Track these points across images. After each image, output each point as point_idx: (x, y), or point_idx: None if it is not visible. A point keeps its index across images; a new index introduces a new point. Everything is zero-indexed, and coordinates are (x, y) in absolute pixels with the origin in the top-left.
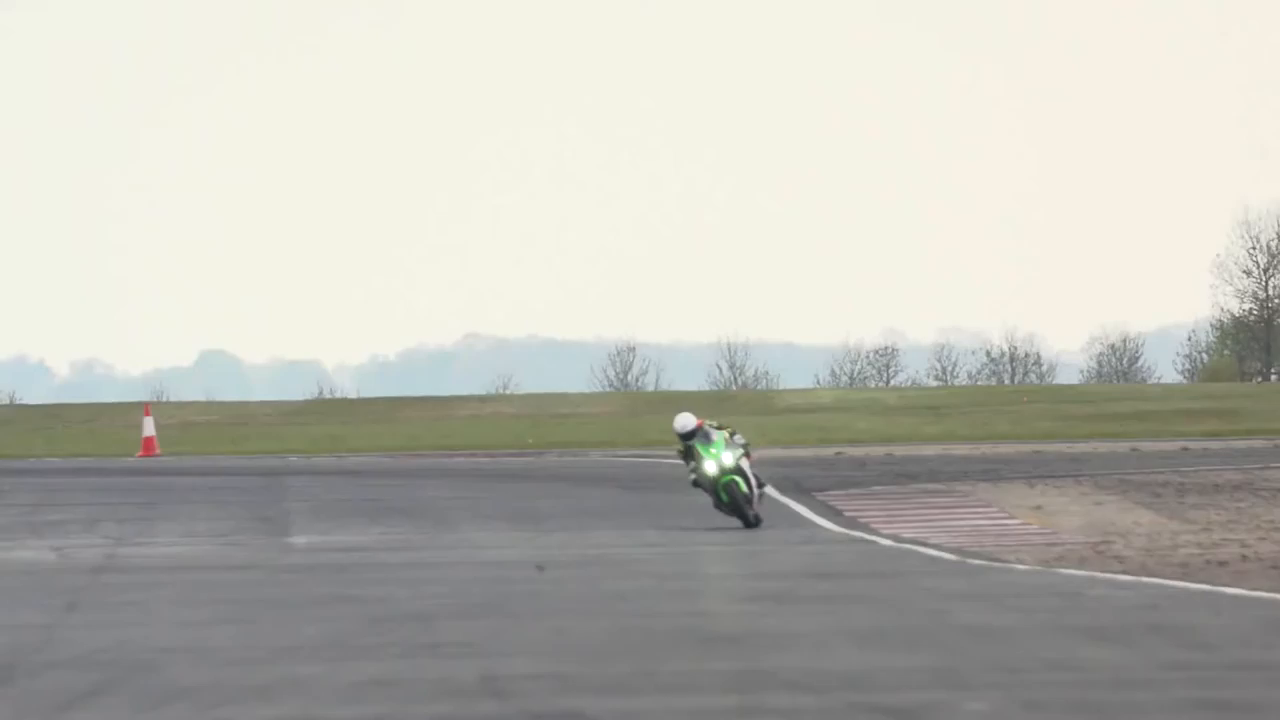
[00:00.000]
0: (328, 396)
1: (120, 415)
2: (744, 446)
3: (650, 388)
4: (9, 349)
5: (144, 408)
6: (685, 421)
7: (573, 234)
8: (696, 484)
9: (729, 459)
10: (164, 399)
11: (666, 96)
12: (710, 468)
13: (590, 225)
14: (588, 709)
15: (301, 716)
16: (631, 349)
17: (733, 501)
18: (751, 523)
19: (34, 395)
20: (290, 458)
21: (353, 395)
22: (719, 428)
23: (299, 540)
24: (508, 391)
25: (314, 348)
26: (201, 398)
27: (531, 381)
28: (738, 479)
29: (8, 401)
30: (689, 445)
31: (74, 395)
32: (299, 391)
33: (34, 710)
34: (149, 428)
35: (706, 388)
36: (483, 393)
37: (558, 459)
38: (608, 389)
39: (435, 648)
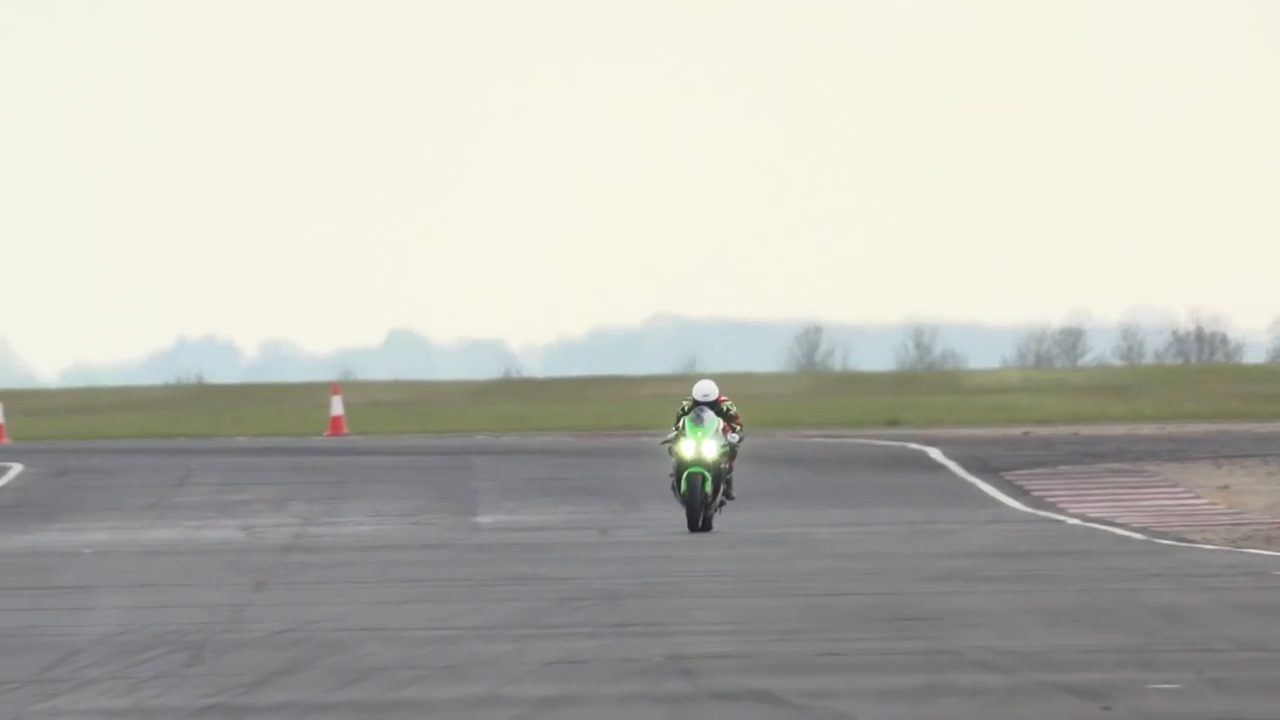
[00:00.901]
0: (514, 376)
1: (308, 395)
2: (733, 445)
3: (836, 368)
4: (198, 329)
5: (332, 387)
6: (709, 389)
7: (760, 213)
8: (669, 451)
9: (709, 451)
10: (352, 379)
11: (843, 76)
12: (686, 449)
13: (777, 204)
14: (775, 688)
15: (490, 695)
16: (818, 329)
17: (690, 495)
18: (698, 527)
19: (222, 375)
20: (477, 437)
21: (539, 375)
22: (729, 414)
23: (486, 519)
24: (694, 371)
25: (501, 327)
26: (389, 377)
27: (718, 362)
28: (706, 475)
29: (196, 381)
30: (689, 413)
31: (262, 375)
32: (486, 371)
33: (224, 689)
34: (337, 407)
35: (892, 368)
36: (669, 373)
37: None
38: (794, 369)
39: (623, 627)
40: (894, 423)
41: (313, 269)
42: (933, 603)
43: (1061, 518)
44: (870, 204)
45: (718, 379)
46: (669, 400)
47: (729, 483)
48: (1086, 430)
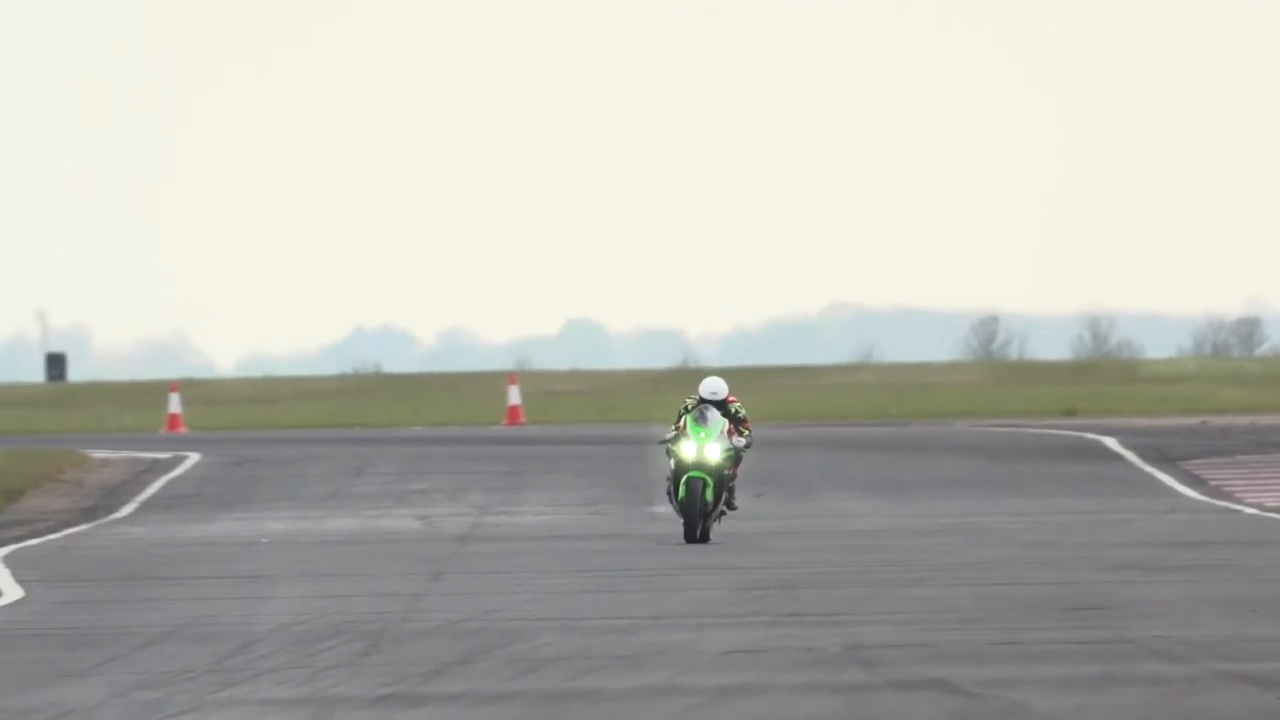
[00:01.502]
0: (691, 365)
1: (485, 384)
2: (739, 450)
3: (1013, 357)
4: (376, 318)
5: (509, 376)
6: (717, 387)
7: (938, 203)
8: (667, 452)
9: (712, 454)
10: (528, 368)
11: (1019, 67)
12: (687, 451)
13: (955, 194)
14: (952, 677)
15: (667, 685)
16: (995, 318)
17: (688, 502)
18: (695, 537)
19: (400, 364)
20: (654, 426)
21: (716, 364)
22: (737, 416)
23: (663, 509)
24: (871, 360)
25: (678, 316)
26: (565, 366)
27: (894, 350)
28: (707, 481)
29: (373, 371)
30: (691, 411)
31: (439, 364)
32: (662, 360)
33: (402, 678)
34: (514, 396)
35: (1069, 357)
36: (846, 362)
37: (921, 429)
38: (970, 358)
39: (800, 616)
40: (1070, 412)
41: (491, 258)
42: (1110, 592)
43: (1239, 507)
44: (1048, 194)
45: (894, 369)
46: (844, 390)
47: (731, 490)
48: (1264, 419)
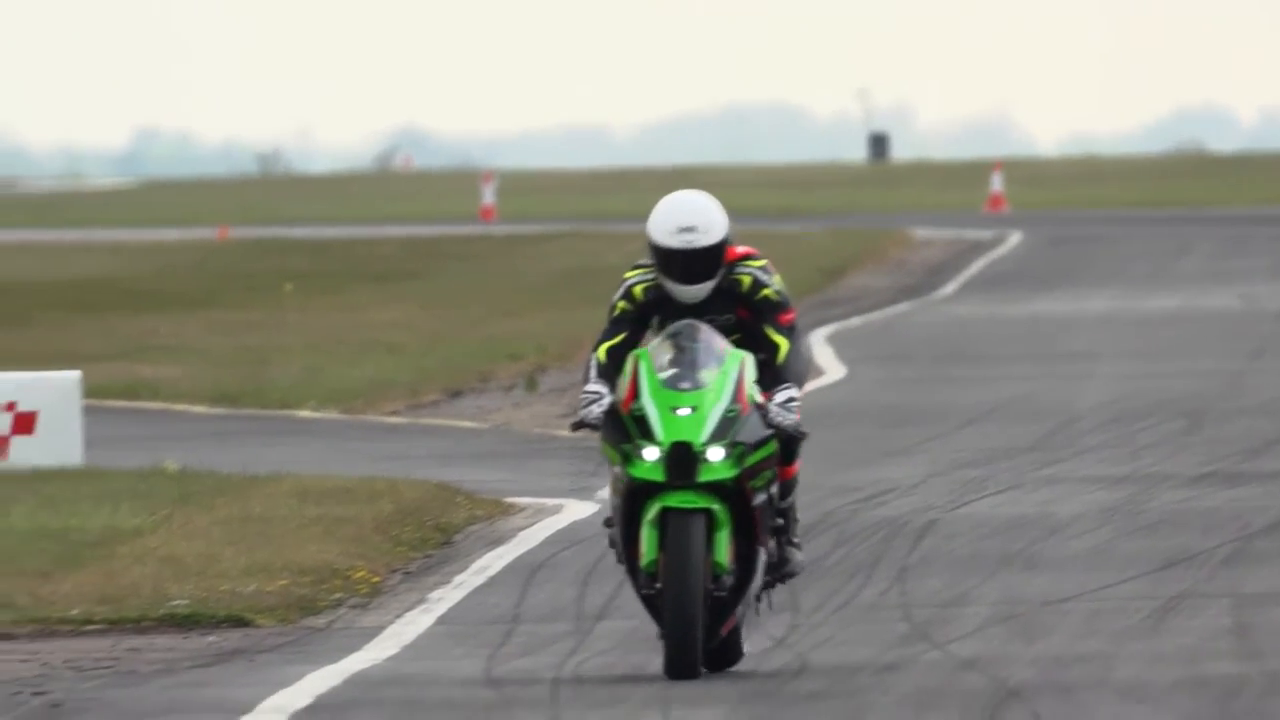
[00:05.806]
0: None
1: None
2: (788, 428)
3: None
4: (1199, 96)
5: None
6: (696, 217)
7: None
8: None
9: (715, 454)
10: None
11: None
12: (648, 455)
13: None
14: None
15: None
16: None
17: (672, 577)
18: (689, 663)
19: (1222, 143)
20: None
21: None
22: (758, 298)
23: None
24: None
25: None
26: None
27: None
28: (717, 514)
29: (1195, 150)
30: (660, 334)
31: (1261, 143)
32: None
33: (1221, 456)
34: None
35: None
36: None
37: None
38: None
39: None
40: None
41: None
42: None
43: None
44: None
45: None
46: None
47: (787, 522)
48: None
